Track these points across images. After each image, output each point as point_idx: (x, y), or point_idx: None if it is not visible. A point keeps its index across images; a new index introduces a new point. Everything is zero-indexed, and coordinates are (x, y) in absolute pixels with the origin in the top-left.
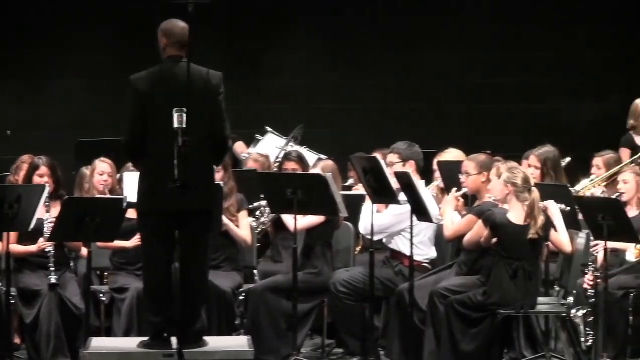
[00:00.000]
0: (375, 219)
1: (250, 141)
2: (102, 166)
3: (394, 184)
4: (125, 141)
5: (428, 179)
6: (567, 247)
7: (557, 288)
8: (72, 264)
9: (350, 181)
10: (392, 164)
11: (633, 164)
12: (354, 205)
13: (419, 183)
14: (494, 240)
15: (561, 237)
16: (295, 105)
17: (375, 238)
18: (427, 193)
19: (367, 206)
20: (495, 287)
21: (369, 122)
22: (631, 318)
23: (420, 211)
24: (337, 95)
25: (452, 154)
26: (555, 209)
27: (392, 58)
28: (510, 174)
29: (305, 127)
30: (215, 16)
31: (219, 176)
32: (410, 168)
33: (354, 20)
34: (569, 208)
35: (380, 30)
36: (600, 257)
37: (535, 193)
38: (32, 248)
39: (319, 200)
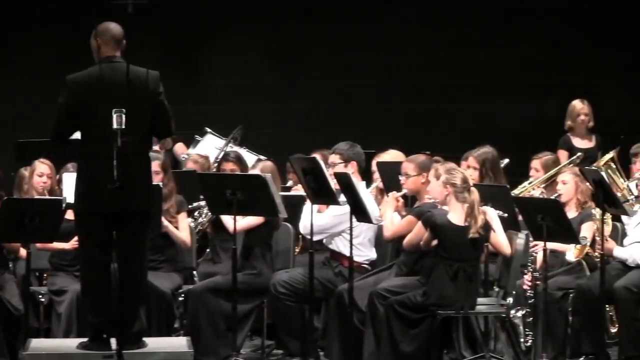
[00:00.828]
0: (315, 219)
1: (190, 142)
2: (41, 167)
3: (334, 184)
4: (51, 138)
5: (367, 179)
6: (506, 249)
7: (496, 288)
8: (10, 265)
9: (290, 182)
10: (334, 164)
11: (571, 165)
12: (294, 206)
13: (360, 184)
14: (434, 241)
15: (500, 239)
16: (235, 106)
17: (316, 238)
18: (366, 194)
19: (307, 207)
20: (434, 287)
21: (308, 122)
22: (570, 318)
23: (359, 212)
24: (276, 96)
25: (391, 155)
26: (492, 214)
27: (332, 58)
28: (449, 175)
29: (245, 127)
30: (153, 17)
31: (158, 177)
32: (352, 169)
33: (293, 20)
34: (506, 214)
35: (318, 30)
36: (540, 257)
37: (475, 193)
38: None
39: (258, 201)
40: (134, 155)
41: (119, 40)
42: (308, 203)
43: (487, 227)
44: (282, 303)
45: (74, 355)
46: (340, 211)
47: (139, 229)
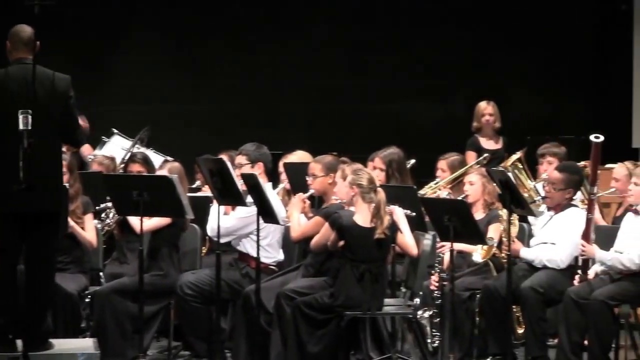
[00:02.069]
0: (222, 221)
1: (96, 143)
2: None
3: (241, 185)
4: None
5: (274, 180)
6: (413, 249)
7: (403, 289)
8: None
9: (197, 183)
10: (241, 165)
11: (478, 166)
12: (201, 207)
13: (266, 185)
14: (341, 242)
15: (407, 240)
16: (142, 107)
17: (224, 240)
18: (273, 195)
19: (214, 208)
20: (341, 288)
21: (215, 123)
22: (477, 319)
23: (266, 213)
24: (183, 97)
25: (298, 156)
26: (400, 213)
27: (240, 59)
28: (355, 176)
29: (152, 128)
30: (61, 18)
31: (64, 178)
32: (258, 170)
33: (200, 22)
34: (414, 214)
35: (226, 31)
36: (447, 258)
37: (381, 194)
38: None
39: (164, 202)
40: (42, 156)
41: (27, 42)
42: (215, 204)
43: (393, 227)
44: (189, 304)
45: None
46: (247, 213)
47: (48, 230)
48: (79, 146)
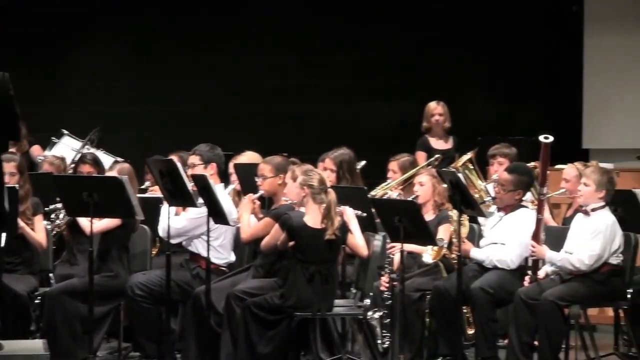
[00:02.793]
0: (173, 221)
1: (46, 144)
2: None
3: (191, 186)
4: None
5: (226, 181)
6: (364, 250)
7: (353, 290)
8: None
9: (147, 183)
10: (194, 165)
11: (429, 167)
12: (151, 208)
13: (217, 186)
14: (291, 243)
15: (357, 241)
16: (92, 108)
17: (175, 240)
18: (224, 196)
19: (164, 209)
20: (292, 289)
21: (165, 124)
22: (427, 320)
23: (216, 214)
24: (133, 98)
25: (247, 157)
26: (350, 214)
27: (191, 60)
28: (306, 177)
29: (103, 129)
30: (14, 16)
31: (14, 179)
32: (211, 170)
33: (155, 22)
34: (365, 214)
35: (180, 31)
36: (397, 259)
37: (332, 194)
38: None
39: (114, 203)
40: None
41: None
42: (165, 205)
43: (344, 228)
44: (139, 305)
45: None
46: (197, 213)
47: None
48: (18, 139)
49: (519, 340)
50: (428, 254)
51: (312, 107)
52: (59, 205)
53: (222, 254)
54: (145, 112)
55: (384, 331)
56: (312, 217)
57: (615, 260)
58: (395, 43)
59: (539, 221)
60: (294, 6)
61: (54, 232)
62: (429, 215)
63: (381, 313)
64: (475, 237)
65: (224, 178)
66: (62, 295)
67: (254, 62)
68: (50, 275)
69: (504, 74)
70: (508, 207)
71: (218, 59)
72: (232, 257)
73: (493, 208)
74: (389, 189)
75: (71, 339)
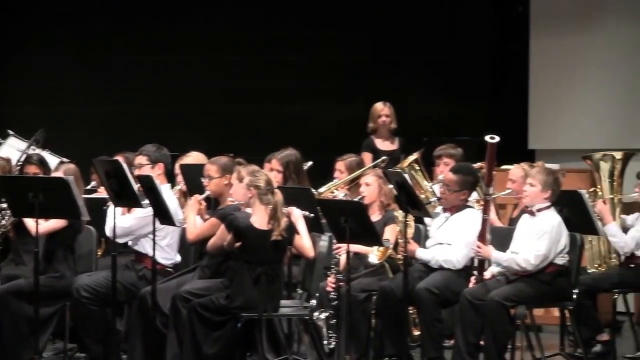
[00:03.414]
0: (120, 220)
1: None
2: None
3: (137, 187)
4: None
5: (172, 182)
6: (310, 252)
7: (299, 291)
8: None
9: (93, 184)
10: (141, 165)
11: (375, 167)
12: (96, 208)
13: (163, 186)
14: (237, 244)
15: (304, 242)
16: (37, 108)
17: (122, 240)
18: (170, 196)
19: (110, 209)
20: (238, 290)
21: (111, 125)
22: (373, 320)
23: (162, 214)
24: (79, 98)
25: (193, 157)
26: (298, 215)
27: (135, 60)
28: (252, 177)
29: (48, 130)
30: None
31: None
32: (159, 170)
33: (98, 24)
34: (312, 215)
35: (124, 33)
36: (343, 259)
37: (278, 195)
38: None
39: (60, 203)
40: None
41: None
42: (111, 205)
43: (290, 229)
44: (85, 307)
45: None
46: (145, 212)
47: None
48: None
49: (465, 341)
50: (374, 254)
51: (258, 107)
52: (4, 206)
53: (168, 254)
54: (90, 113)
55: (330, 332)
56: (259, 218)
57: (560, 260)
58: (341, 44)
59: (484, 221)
60: (241, 6)
61: (0, 232)
62: (375, 216)
63: (327, 314)
64: (421, 237)
65: (171, 178)
66: (7, 296)
67: (200, 63)
68: None
69: (450, 75)
70: (454, 208)
71: (163, 59)
72: (178, 258)
73: (439, 208)
74: (335, 189)
75: (16, 340)
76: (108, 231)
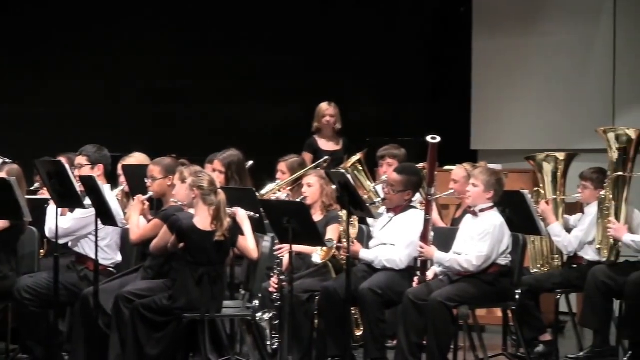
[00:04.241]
0: (60, 221)
1: None
2: None
3: (79, 187)
4: None
5: (114, 182)
6: (254, 253)
7: (242, 291)
8: None
9: (37, 185)
10: (81, 166)
11: (317, 167)
12: (38, 209)
13: (105, 187)
14: (180, 245)
15: (248, 243)
16: None
17: (62, 241)
18: (112, 197)
19: (51, 210)
20: (180, 291)
21: (54, 125)
22: (316, 321)
23: (105, 215)
24: (21, 98)
25: (136, 158)
26: (243, 215)
27: (78, 60)
28: (196, 178)
29: None
30: None
31: None
32: (98, 171)
33: (36, 22)
34: (257, 215)
35: (64, 31)
36: (286, 260)
37: (221, 195)
38: None
39: (2, 204)
40: None
41: None
42: (53, 206)
43: (233, 230)
44: (27, 308)
45: None
46: (84, 213)
47: None
48: None
49: (408, 341)
50: (317, 254)
51: (200, 108)
52: None
53: (108, 254)
54: (32, 113)
55: (273, 332)
56: (202, 219)
57: (503, 261)
58: (284, 44)
59: (427, 222)
60: (180, 6)
61: None
62: (317, 216)
63: (270, 314)
64: (364, 238)
65: (111, 179)
66: None
67: (141, 63)
68: None
69: (392, 75)
70: (398, 208)
71: (105, 59)
72: (119, 257)
73: (382, 209)
74: (277, 190)
75: None
76: (48, 232)
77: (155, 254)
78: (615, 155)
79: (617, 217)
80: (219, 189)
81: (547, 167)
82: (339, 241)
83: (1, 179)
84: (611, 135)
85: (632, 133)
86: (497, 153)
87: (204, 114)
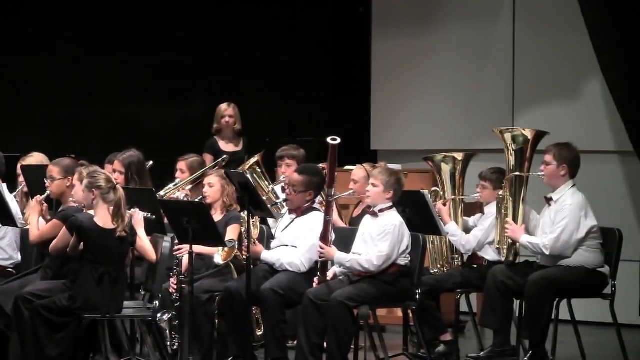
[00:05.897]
0: None
1: None
2: None
3: None
4: None
5: (12, 183)
6: (152, 255)
7: (142, 292)
8: None
9: None
10: None
11: (217, 167)
12: None
13: (2, 187)
14: (81, 245)
15: (145, 245)
16: None
17: None
18: (10, 197)
19: None
20: (80, 291)
21: None
22: (217, 321)
23: (3, 215)
24: None
25: (35, 158)
26: (139, 219)
27: None
28: (92, 179)
29: None
30: None
31: None
32: None
33: None
34: (154, 217)
35: None
36: (185, 260)
37: (120, 192)
38: None
39: None
40: None
41: None
42: None
43: (134, 230)
44: None
45: None
46: None
47: None
48: None
49: (308, 341)
50: (219, 255)
51: (100, 108)
52: None
53: (7, 254)
54: None
55: (173, 333)
56: (102, 217)
57: (403, 261)
58: (183, 45)
59: (327, 222)
60: (85, 6)
61: None
62: (217, 216)
63: (170, 315)
64: (264, 238)
65: (7, 179)
66: None
67: (40, 63)
68: None
69: (291, 75)
70: (300, 210)
71: (6, 59)
72: (18, 257)
73: (285, 210)
74: (177, 190)
75: None
76: None
77: (55, 255)
78: (512, 155)
79: (515, 218)
80: (116, 185)
81: (446, 168)
82: (241, 241)
83: None
84: (508, 136)
85: (528, 133)
86: (397, 153)
87: (103, 113)
